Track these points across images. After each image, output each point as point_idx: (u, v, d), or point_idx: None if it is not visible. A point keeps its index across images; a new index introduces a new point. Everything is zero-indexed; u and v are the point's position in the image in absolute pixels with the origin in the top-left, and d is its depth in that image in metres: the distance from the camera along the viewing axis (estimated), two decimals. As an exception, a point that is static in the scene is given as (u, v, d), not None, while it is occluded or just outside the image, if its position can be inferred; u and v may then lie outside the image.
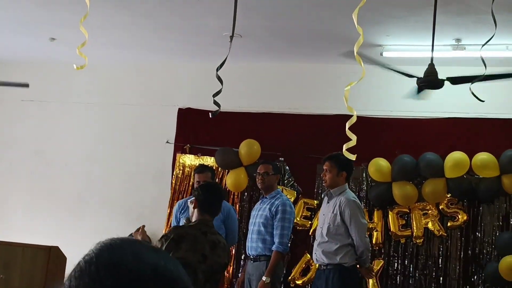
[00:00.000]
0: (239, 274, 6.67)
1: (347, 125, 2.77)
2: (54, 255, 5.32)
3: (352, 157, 2.89)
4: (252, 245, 5.70)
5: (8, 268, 5.27)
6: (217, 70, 3.96)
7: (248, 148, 7.06)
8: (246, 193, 7.23)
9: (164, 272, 0.95)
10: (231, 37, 4.18)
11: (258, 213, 5.77)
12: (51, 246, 5.36)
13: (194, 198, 4.34)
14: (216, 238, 4.23)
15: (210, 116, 4.24)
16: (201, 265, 4.04)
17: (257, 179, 5.97)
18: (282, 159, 7.16)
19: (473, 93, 4.35)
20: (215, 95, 3.97)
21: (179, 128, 7.68)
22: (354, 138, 2.76)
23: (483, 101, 4.55)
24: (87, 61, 4.00)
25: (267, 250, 5.57)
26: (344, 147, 2.78)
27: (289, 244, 5.65)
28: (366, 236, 5.40)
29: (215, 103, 3.98)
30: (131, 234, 4.91)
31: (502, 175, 6.43)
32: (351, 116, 3.01)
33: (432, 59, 5.01)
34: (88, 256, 0.97)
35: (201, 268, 4.04)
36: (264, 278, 5.44)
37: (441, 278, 6.63)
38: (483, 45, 4.05)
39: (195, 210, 4.25)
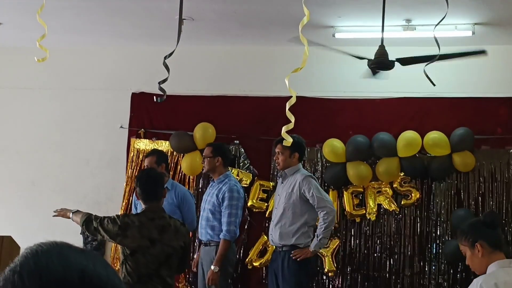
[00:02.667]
0: (195, 256, 6.66)
1: (287, 106, 2.74)
2: (7, 245, 5.21)
3: (289, 140, 2.86)
4: (202, 231, 5.66)
5: (-41, 259, 5.15)
6: (165, 58, 3.95)
7: (203, 132, 7.05)
8: (202, 177, 7.23)
9: (92, 276, 0.93)
10: (179, 23, 4.17)
11: (207, 199, 5.69)
12: (3, 236, 5.24)
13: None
14: (167, 222, 4.25)
15: (155, 100, 4.25)
16: (149, 249, 4.12)
17: None
18: (237, 141, 7.17)
19: (427, 76, 4.41)
20: (161, 82, 3.98)
21: (133, 112, 7.60)
22: (292, 119, 2.74)
23: (434, 85, 4.63)
24: (47, 52, 3.97)
25: (216, 237, 5.52)
26: (284, 129, 2.75)
27: (237, 231, 5.58)
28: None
29: (161, 89, 4.00)
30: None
31: (453, 153, 6.57)
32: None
33: (382, 40, 5.07)
34: (13, 264, 0.95)
35: (151, 252, 4.11)
36: (212, 267, 5.38)
37: (395, 255, 6.76)
38: (436, 25, 4.12)
39: (140, 201, 4.35)
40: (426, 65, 4.45)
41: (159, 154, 6.07)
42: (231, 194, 5.49)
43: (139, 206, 5.57)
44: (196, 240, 6.87)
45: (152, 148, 7.15)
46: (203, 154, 5.86)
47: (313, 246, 5.26)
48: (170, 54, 3.96)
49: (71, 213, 4.53)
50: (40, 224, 7.11)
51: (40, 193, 7.69)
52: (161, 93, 4.05)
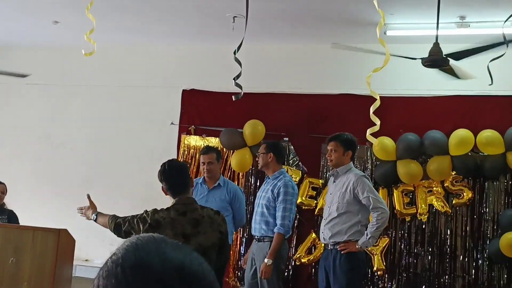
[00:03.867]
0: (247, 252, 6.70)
1: (371, 109, 2.72)
2: (63, 238, 5.37)
3: (375, 141, 2.83)
4: (256, 226, 5.70)
5: (19, 251, 5.32)
6: (235, 53, 3.98)
7: (252, 129, 7.08)
8: (251, 174, 7.27)
9: (189, 272, 0.97)
10: (246, 19, 4.19)
11: (262, 194, 5.74)
12: (60, 229, 5.40)
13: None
14: (199, 214, 4.02)
15: (233, 99, 4.25)
16: None
17: None
18: (287, 139, 7.18)
19: (489, 72, 4.35)
20: (236, 78, 3.99)
21: (183, 109, 7.70)
22: (378, 122, 2.69)
23: (491, 83, 4.58)
24: (95, 45, 4.04)
25: (270, 232, 5.55)
26: (368, 131, 2.72)
27: (291, 226, 5.59)
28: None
29: (237, 85, 4.00)
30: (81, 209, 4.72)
31: (507, 152, 6.44)
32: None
33: (437, 37, 5.01)
34: (115, 256, 0.99)
35: None
36: (266, 260, 5.41)
37: (446, 256, 6.67)
38: (506, 20, 4.06)
39: (169, 196, 4.11)
40: (491, 61, 4.39)
41: (218, 152, 6.17)
42: (286, 189, 5.54)
43: None
44: (242, 237, 6.92)
45: (204, 144, 7.21)
46: (258, 151, 5.93)
47: (360, 243, 5.21)
48: (239, 47, 3.97)
49: (94, 215, 4.40)
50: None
51: (93, 188, 7.82)
52: (238, 90, 4.02)
